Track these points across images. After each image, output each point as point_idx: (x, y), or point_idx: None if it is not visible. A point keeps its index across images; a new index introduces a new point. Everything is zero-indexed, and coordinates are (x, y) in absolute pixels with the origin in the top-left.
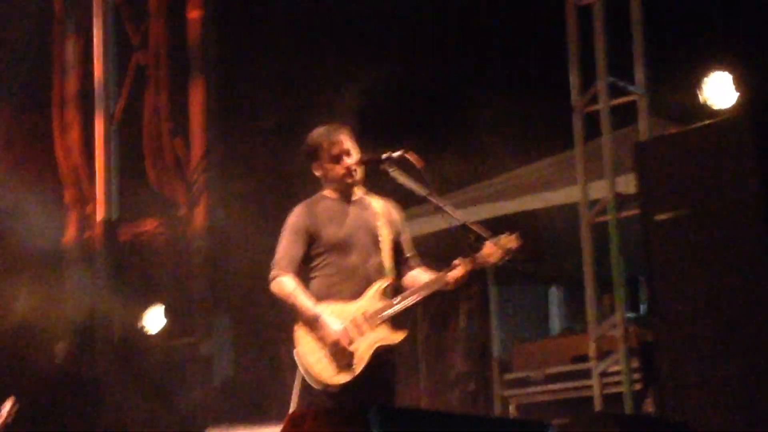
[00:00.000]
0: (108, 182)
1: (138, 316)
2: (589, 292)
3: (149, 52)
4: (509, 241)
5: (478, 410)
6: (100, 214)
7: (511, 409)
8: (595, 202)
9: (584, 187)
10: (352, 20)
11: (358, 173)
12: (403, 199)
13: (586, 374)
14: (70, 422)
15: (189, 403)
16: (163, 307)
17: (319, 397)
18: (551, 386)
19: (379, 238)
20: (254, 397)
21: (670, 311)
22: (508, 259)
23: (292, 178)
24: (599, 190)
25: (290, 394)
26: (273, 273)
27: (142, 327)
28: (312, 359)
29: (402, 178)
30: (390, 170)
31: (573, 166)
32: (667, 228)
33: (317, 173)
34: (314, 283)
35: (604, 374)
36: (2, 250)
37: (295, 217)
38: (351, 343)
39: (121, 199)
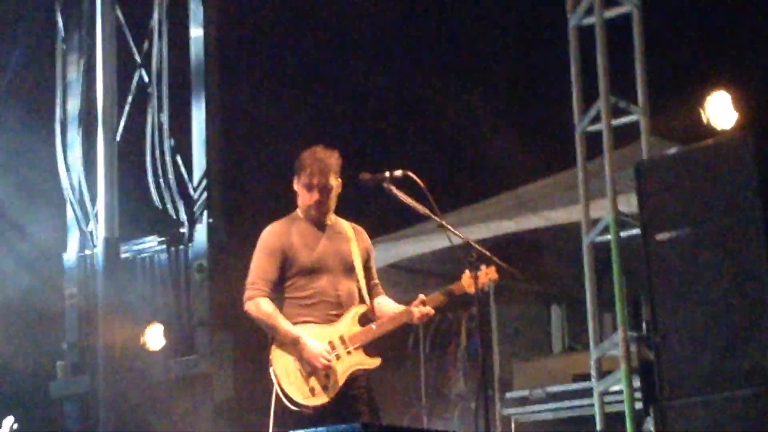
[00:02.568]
0: (110, 200)
1: (139, 334)
2: (590, 312)
3: (151, 70)
4: (488, 273)
5: (478, 429)
6: (101, 232)
7: (512, 428)
8: (596, 222)
9: (585, 207)
10: (354, 38)
11: (328, 204)
12: (406, 217)
13: (587, 393)
14: None
15: (189, 421)
16: (162, 327)
17: (292, 418)
18: (552, 405)
19: (354, 264)
20: (254, 415)
21: (672, 330)
22: (482, 292)
23: (294, 196)
24: (601, 209)
25: None
26: (248, 293)
27: (144, 344)
28: (287, 381)
29: (404, 197)
30: (392, 189)
31: (574, 186)
32: (668, 247)
33: (295, 188)
34: (285, 306)
35: (605, 393)
36: (3, 269)
37: (270, 238)
38: (329, 363)
39: (122, 217)
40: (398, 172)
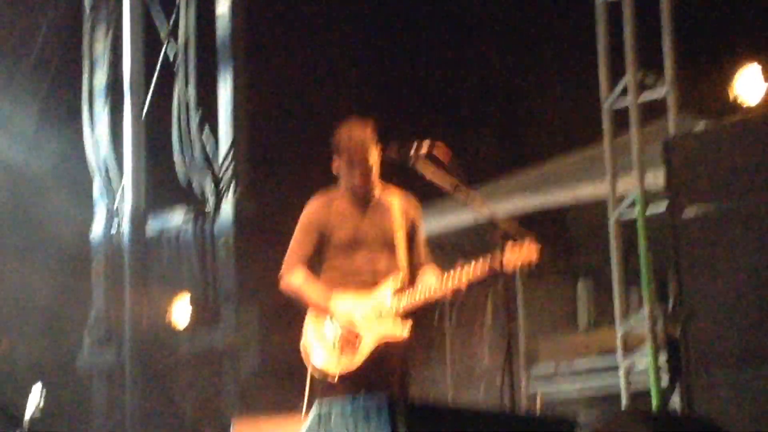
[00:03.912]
0: (136, 174)
1: (165, 308)
2: (617, 289)
3: (178, 43)
4: (530, 251)
5: (504, 405)
6: (128, 207)
7: (538, 403)
8: (623, 197)
9: (612, 183)
10: (382, 8)
11: (372, 179)
12: (431, 193)
13: (613, 369)
14: (97, 411)
15: (216, 394)
16: (189, 301)
17: (321, 386)
18: (578, 381)
19: (394, 242)
20: (281, 388)
21: (699, 307)
22: (526, 267)
23: (321, 171)
24: (627, 184)
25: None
26: (283, 270)
27: (169, 321)
28: (314, 350)
29: (430, 173)
30: (418, 164)
31: (601, 161)
32: (695, 224)
33: (334, 169)
34: (321, 281)
35: (631, 369)
36: (31, 241)
37: (309, 214)
38: (358, 332)
39: (148, 192)
40: (424, 147)
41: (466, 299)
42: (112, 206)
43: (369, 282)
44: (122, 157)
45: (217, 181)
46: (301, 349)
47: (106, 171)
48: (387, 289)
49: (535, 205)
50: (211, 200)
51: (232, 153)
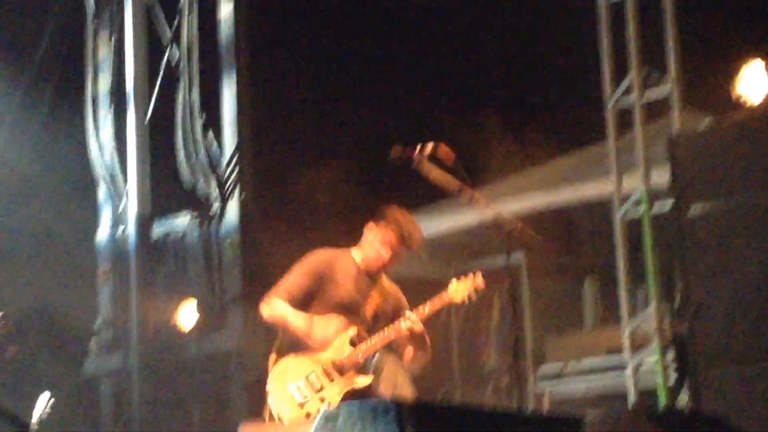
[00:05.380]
0: (141, 178)
1: (171, 312)
2: (623, 285)
3: (181, 47)
4: (475, 280)
5: (511, 404)
6: (133, 210)
7: (545, 402)
8: (628, 196)
9: (617, 181)
10: (385, 12)
11: (384, 266)
12: (435, 194)
13: (620, 368)
14: (105, 417)
15: (224, 398)
16: (195, 304)
17: None
18: (585, 380)
19: (373, 313)
20: None
21: (705, 304)
22: (474, 298)
23: (324, 173)
24: (633, 182)
25: None
26: (266, 297)
27: (175, 325)
28: (282, 408)
29: (433, 174)
30: (421, 166)
31: (606, 159)
32: (700, 221)
33: (367, 232)
34: None
35: (638, 368)
36: (37, 247)
37: (316, 260)
38: (322, 389)
39: (154, 195)
40: (428, 148)
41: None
42: (117, 211)
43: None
44: (127, 161)
45: (221, 185)
46: (270, 409)
47: (111, 176)
48: (343, 342)
49: (540, 205)
50: (215, 204)
51: (236, 157)
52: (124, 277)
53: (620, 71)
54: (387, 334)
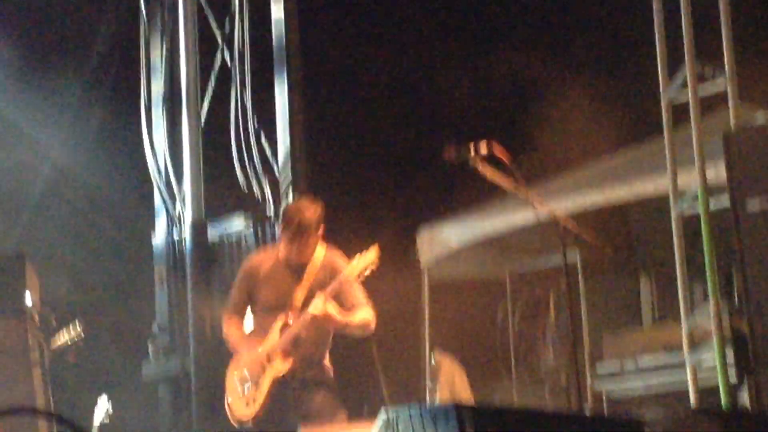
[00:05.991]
0: (195, 181)
1: None
2: (681, 283)
3: (233, 50)
4: (370, 256)
5: (569, 404)
6: (188, 214)
7: (603, 401)
8: (685, 192)
9: (673, 177)
10: (437, 13)
11: (307, 256)
12: (492, 192)
13: (679, 365)
14: (163, 420)
15: (280, 400)
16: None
17: None
18: (643, 378)
19: (299, 292)
20: (345, 394)
21: (765, 300)
22: (368, 272)
23: (376, 174)
24: (689, 178)
25: (381, 390)
26: (223, 314)
27: None
28: (232, 404)
29: (489, 173)
30: (477, 165)
31: (662, 155)
32: (759, 216)
33: (278, 234)
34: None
35: (697, 366)
36: (94, 250)
37: (242, 270)
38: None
39: (208, 198)
40: (483, 146)
41: (529, 299)
42: (173, 214)
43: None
44: (181, 164)
45: (275, 187)
46: (226, 407)
47: (166, 178)
48: (275, 332)
49: (595, 202)
50: (270, 206)
51: (289, 158)
52: (181, 280)
53: (675, 65)
54: (302, 319)
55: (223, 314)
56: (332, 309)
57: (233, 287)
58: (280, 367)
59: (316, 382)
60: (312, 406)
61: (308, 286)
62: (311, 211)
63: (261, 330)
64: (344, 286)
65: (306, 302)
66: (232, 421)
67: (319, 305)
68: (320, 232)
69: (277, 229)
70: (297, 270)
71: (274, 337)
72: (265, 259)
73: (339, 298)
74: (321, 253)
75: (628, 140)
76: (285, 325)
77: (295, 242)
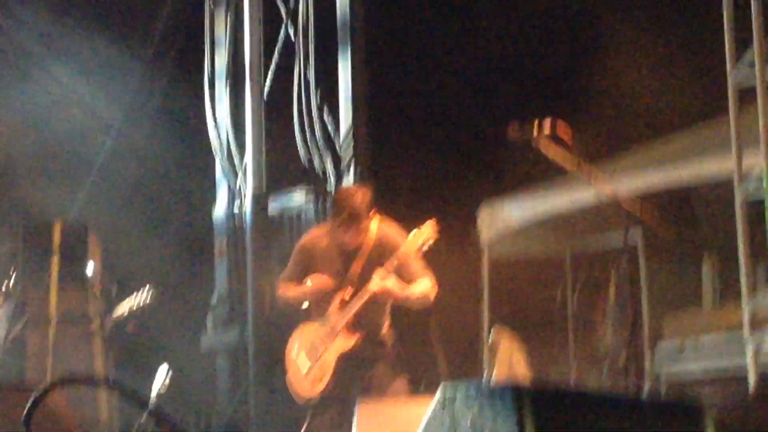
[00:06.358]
0: (257, 155)
1: None
2: (743, 265)
3: (297, 24)
4: (429, 230)
5: (628, 384)
6: (250, 187)
7: (662, 383)
8: (749, 173)
9: (738, 159)
10: None
11: (361, 238)
12: (554, 171)
13: (739, 347)
14: (221, 391)
15: (339, 373)
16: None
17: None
18: (703, 360)
19: (356, 263)
20: (404, 369)
21: None
22: (427, 246)
23: (438, 148)
24: (754, 160)
25: (440, 366)
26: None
27: None
28: (291, 377)
29: (552, 152)
30: (541, 144)
31: (727, 136)
32: None
33: (331, 218)
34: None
35: (758, 348)
36: (155, 222)
37: (297, 250)
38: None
39: (270, 172)
40: (546, 125)
41: (588, 279)
42: (234, 186)
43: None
44: (243, 137)
45: (337, 161)
46: (288, 384)
47: (228, 151)
48: (335, 308)
49: (658, 182)
50: (331, 180)
51: (351, 133)
52: (241, 252)
53: (742, 46)
54: (361, 295)
55: (279, 283)
56: (391, 283)
57: (290, 261)
58: (344, 343)
59: (377, 356)
60: (373, 380)
61: (364, 263)
62: (360, 196)
63: (317, 307)
64: (402, 260)
65: (363, 278)
66: (295, 399)
67: (379, 281)
68: (371, 214)
69: None
70: (352, 249)
71: (335, 314)
72: (322, 236)
73: (398, 272)
74: (375, 228)
75: (693, 121)
76: (343, 302)
77: (346, 228)
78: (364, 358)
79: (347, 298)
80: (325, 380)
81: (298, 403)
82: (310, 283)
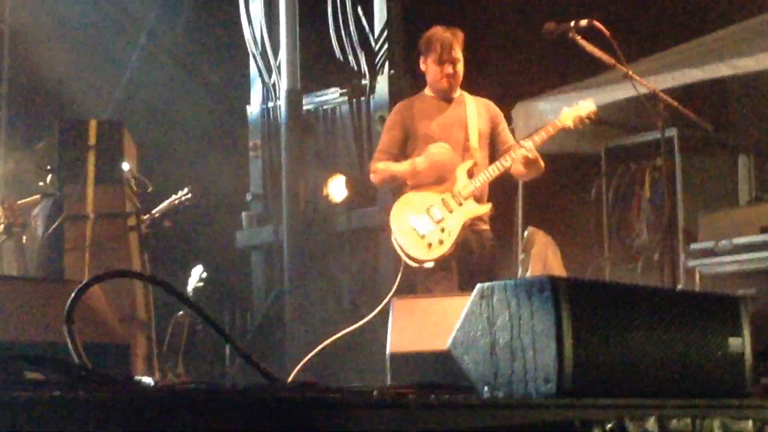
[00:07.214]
0: (292, 52)
1: (321, 185)
2: None
3: None
4: (584, 107)
5: (662, 280)
6: (284, 84)
7: (697, 279)
8: None
9: None
10: None
11: (456, 79)
12: (591, 67)
13: None
14: (256, 288)
15: (373, 271)
16: (344, 178)
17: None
18: (738, 257)
19: (472, 132)
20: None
21: None
22: (583, 124)
23: (473, 48)
24: None
25: None
26: (370, 166)
27: (327, 195)
28: (406, 242)
29: (589, 47)
30: (577, 39)
31: (765, 32)
32: None
33: (422, 68)
34: None
35: None
36: (191, 122)
37: (393, 114)
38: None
39: (304, 69)
40: (583, 21)
41: (624, 175)
42: (269, 83)
43: (451, 169)
44: (278, 35)
45: (371, 60)
46: (395, 244)
47: (262, 49)
48: (461, 173)
49: (694, 80)
50: (365, 79)
51: (385, 32)
52: (275, 151)
53: None
54: (504, 163)
55: (372, 161)
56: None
57: (382, 136)
58: (479, 209)
59: (488, 238)
60: (484, 252)
61: (475, 126)
62: (450, 31)
63: (425, 157)
64: (553, 131)
65: (478, 149)
66: (407, 262)
67: (531, 147)
68: (463, 59)
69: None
70: (447, 99)
71: (463, 179)
72: (415, 102)
73: (495, 142)
74: (470, 98)
75: (730, 18)
76: (470, 171)
77: (442, 64)
78: (483, 230)
79: (473, 168)
80: (447, 245)
81: (411, 266)
82: (433, 150)
